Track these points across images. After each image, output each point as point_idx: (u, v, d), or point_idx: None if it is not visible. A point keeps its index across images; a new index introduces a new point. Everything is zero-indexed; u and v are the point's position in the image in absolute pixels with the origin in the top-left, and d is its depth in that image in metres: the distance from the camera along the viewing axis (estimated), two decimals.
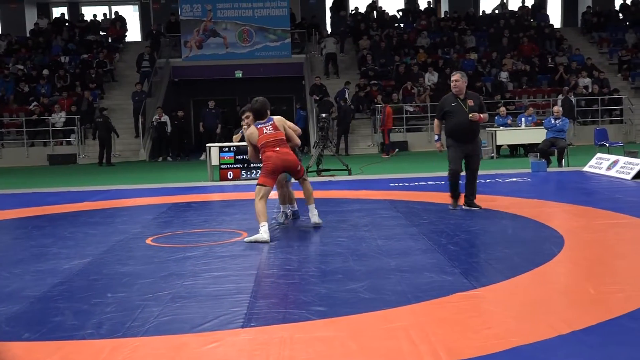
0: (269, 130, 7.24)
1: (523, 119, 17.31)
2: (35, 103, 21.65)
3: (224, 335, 3.98)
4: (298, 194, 8.00)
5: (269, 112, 7.41)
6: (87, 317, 4.41)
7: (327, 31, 25.65)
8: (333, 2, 26.74)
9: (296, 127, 7.84)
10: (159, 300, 4.74)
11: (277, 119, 7.42)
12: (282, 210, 8.11)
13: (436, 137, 8.63)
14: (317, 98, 21.36)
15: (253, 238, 6.79)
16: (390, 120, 19.66)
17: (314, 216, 7.51)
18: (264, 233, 6.77)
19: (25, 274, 5.78)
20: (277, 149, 7.16)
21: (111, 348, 3.83)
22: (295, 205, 8.14)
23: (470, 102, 8.28)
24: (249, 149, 7.52)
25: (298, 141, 7.60)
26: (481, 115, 8.28)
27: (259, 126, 7.29)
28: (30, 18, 27.44)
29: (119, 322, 4.28)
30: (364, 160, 17.13)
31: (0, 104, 21.98)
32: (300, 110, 22.42)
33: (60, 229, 8.10)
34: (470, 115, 8.16)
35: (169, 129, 20.71)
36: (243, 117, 7.81)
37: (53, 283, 5.38)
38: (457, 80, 8.27)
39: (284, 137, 7.29)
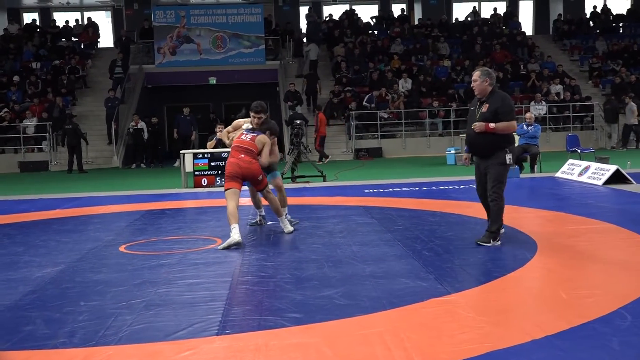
0: (247, 137, 7.37)
1: None
2: (5, 109, 21.38)
3: (199, 343, 3.95)
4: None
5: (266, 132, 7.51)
6: (59, 326, 4.36)
7: (304, 38, 25.65)
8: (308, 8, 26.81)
9: (276, 154, 7.75)
10: (132, 308, 4.69)
11: (262, 138, 7.38)
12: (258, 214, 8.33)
13: (466, 148, 7.05)
14: (292, 104, 21.36)
15: (226, 243, 6.78)
16: (323, 127, 19.54)
17: (286, 227, 7.62)
18: (235, 235, 6.78)
19: None
20: (242, 156, 7.23)
21: (84, 357, 3.79)
22: (263, 210, 8.27)
23: (485, 108, 6.49)
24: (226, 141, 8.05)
25: (265, 161, 7.38)
26: (490, 125, 6.35)
27: (244, 131, 7.47)
28: (0, 24, 27.09)
29: (92, 330, 4.23)
30: (338, 167, 17.15)
31: None
32: None
33: (31, 237, 7.99)
34: (473, 125, 6.51)
35: (145, 135, 20.58)
36: (256, 116, 7.48)
37: (25, 291, 5.31)
38: (475, 79, 6.60)
39: (255, 151, 7.32)
